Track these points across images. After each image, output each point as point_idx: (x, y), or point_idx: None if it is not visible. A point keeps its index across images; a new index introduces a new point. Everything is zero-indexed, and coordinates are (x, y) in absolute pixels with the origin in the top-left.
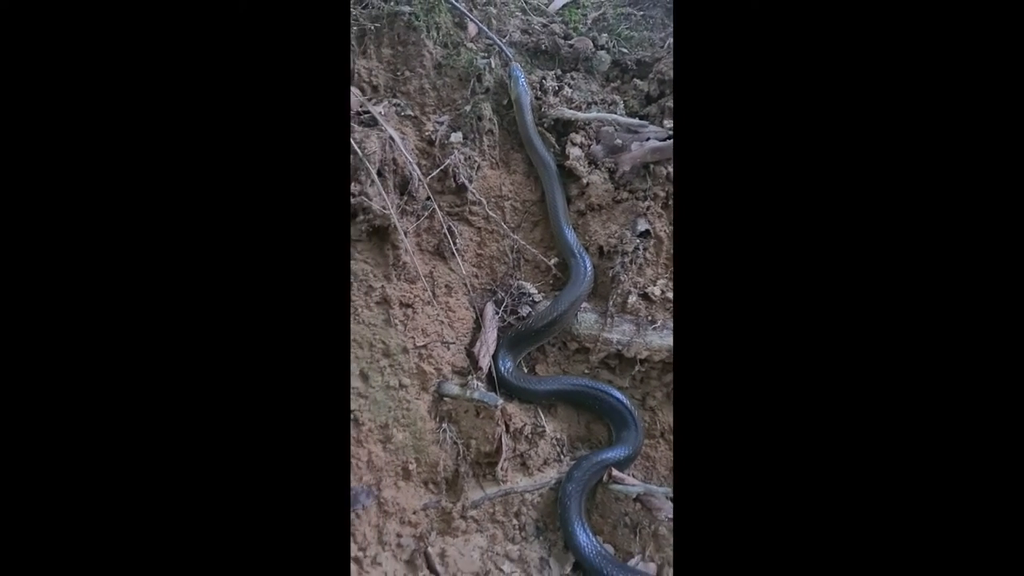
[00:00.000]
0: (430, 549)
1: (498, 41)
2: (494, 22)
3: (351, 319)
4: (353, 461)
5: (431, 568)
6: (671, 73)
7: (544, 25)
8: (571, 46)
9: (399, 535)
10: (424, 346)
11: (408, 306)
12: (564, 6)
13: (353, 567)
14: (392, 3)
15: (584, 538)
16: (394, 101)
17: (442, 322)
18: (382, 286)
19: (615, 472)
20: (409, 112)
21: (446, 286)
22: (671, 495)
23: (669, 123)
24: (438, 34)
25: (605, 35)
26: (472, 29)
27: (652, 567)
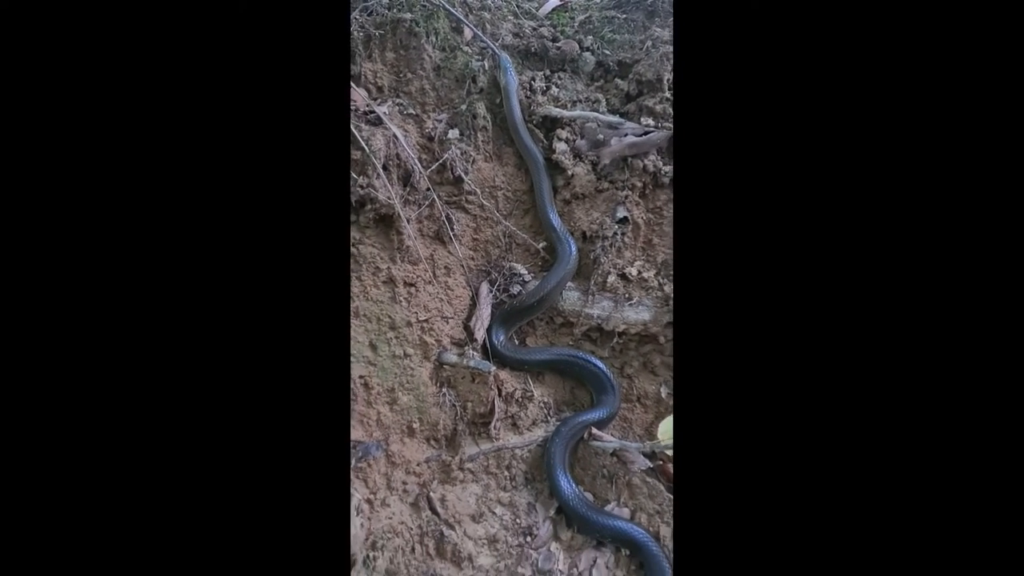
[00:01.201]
0: (432, 494)
1: (491, 44)
2: (488, 26)
3: (362, 297)
4: (364, 420)
5: (432, 510)
6: (648, 74)
7: (534, 29)
8: (559, 48)
9: (404, 482)
10: (426, 320)
11: (411, 285)
12: (553, 10)
13: (365, 507)
14: (395, 10)
15: (566, 486)
16: (397, 101)
17: (442, 299)
18: (388, 267)
19: (595, 431)
20: (411, 111)
21: (445, 267)
22: (644, 450)
23: (646, 120)
24: (436, 39)
25: (590, 38)
26: (468, 33)
27: (625, 511)
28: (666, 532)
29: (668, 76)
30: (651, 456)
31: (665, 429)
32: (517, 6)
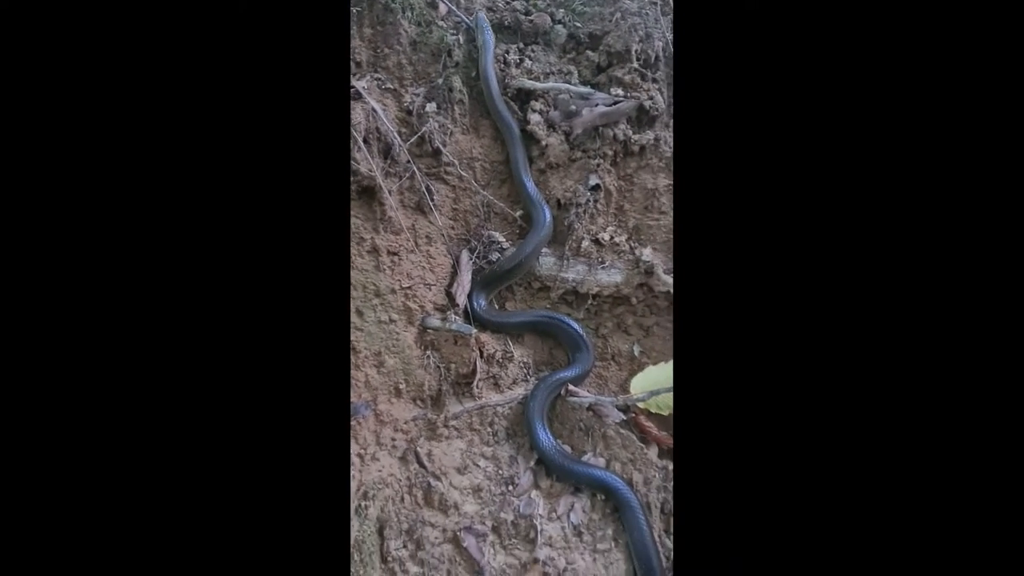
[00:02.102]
0: (419, 449)
1: (465, 19)
2: (461, 2)
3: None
4: (353, 382)
5: (420, 463)
6: (617, 45)
7: (507, 2)
8: (531, 21)
9: (393, 439)
10: (409, 287)
11: (394, 254)
12: None
13: (356, 460)
14: None
15: (545, 439)
16: (375, 76)
17: (424, 267)
18: (371, 237)
19: (571, 387)
20: (389, 85)
21: (426, 236)
22: (618, 404)
23: (616, 90)
24: (412, 14)
25: (562, 11)
26: (442, 8)
27: (601, 460)
28: (638, 479)
29: (636, 47)
30: (624, 410)
31: (637, 384)
32: None
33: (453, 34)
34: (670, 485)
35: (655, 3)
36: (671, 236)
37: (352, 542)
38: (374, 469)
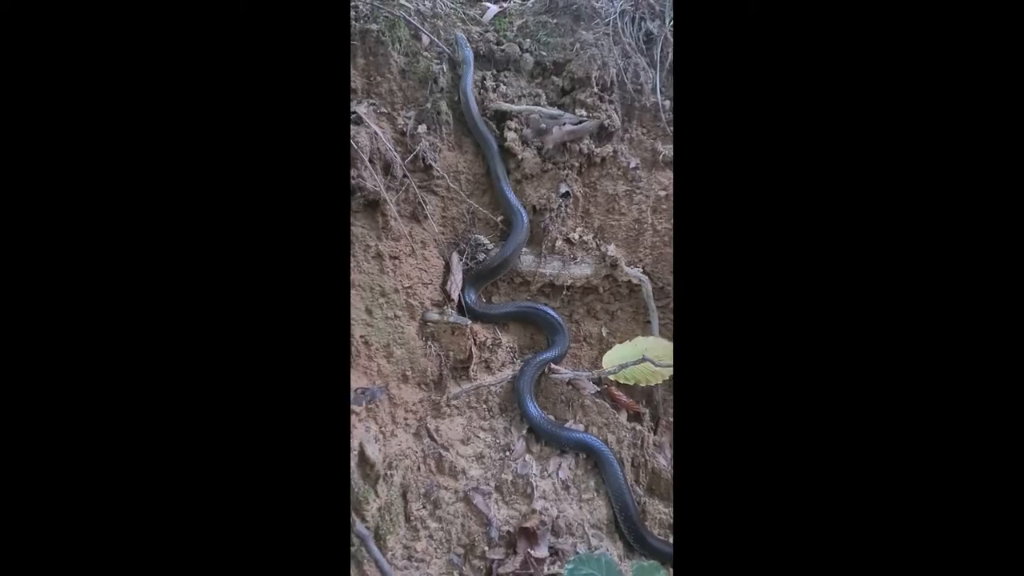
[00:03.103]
0: (428, 426)
1: (446, 49)
2: (442, 33)
3: (356, 270)
4: (367, 371)
5: (431, 437)
6: (579, 72)
7: (481, 34)
8: (503, 51)
9: (406, 418)
10: (409, 287)
11: (395, 258)
12: (495, 16)
13: (380, 437)
14: (362, 22)
15: (534, 410)
16: (371, 102)
17: (421, 268)
18: (375, 244)
19: (553, 366)
20: (383, 110)
21: (421, 242)
22: (592, 378)
23: (580, 111)
24: (400, 45)
25: (528, 40)
26: (425, 40)
27: (580, 426)
28: (612, 439)
29: (595, 74)
30: (598, 382)
31: (608, 360)
32: (464, 14)
33: (437, 63)
34: (639, 443)
35: (608, 35)
36: (630, 234)
37: (380, 505)
38: (394, 444)
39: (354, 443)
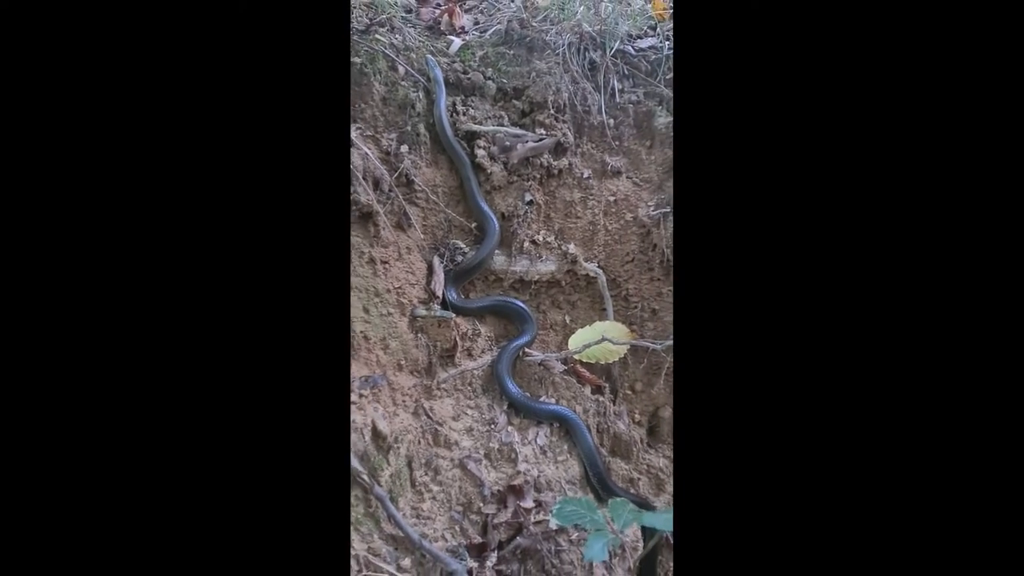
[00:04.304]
0: (424, 406)
1: (420, 78)
2: (415, 64)
3: (353, 274)
4: (368, 362)
5: (427, 416)
6: (537, 97)
7: (449, 64)
8: (469, 79)
9: (404, 400)
10: (399, 287)
11: (385, 262)
12: (460, 48)
13: (387, 415)
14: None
15: (512, 388)
16: (357, 127)
17: (408, 271)
18: (369, 251)
19: (526, 350)
20: (368, 133)
21: (407, 248)
22: (560, 358)
23: (539, 130)
24: (380, 76)
25: (490, 69)
26: (401, 70)
27: (552, 400)
28: (579, 409)
29: (551, 98)
30: (565, 362)
31: (572, 342)
32: (432, 47)
33: (414, 91)
34: (602, 412)
35: (558, 64)
36: (586, 234)
37: (392, 473)
38: (397, 422)
39: (367, 420)
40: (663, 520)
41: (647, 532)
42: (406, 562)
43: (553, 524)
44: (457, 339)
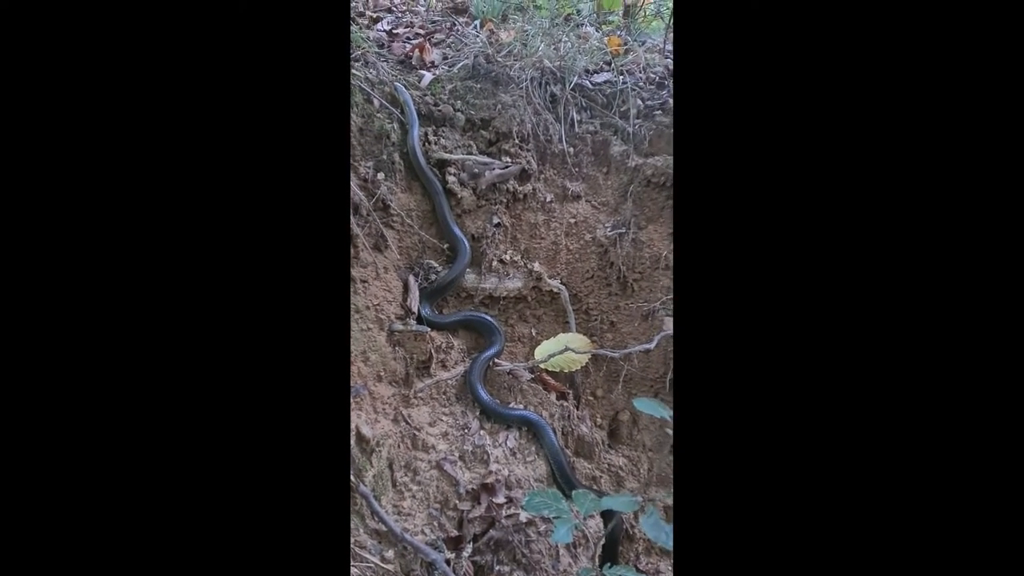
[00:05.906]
0: (403, 413)
1: (393, 109)
2: (389, 97)
3: None
4: (350, 374)
5: (406, 422)
6: (502, 128)
7: (421, 96)
8: (439, 110)
9: (384, 408)
10: (377, 304)
11: (365, 281)
12: (430, 82)
13: (370, 421)
14: None
15: (484, 396)
16: None
17: (385, 289)
18: (350, 271)
19: (496, 360)
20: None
21: (384, 268)
22: (527, 367)
23: (505, 158)
24: (357, 108)
25: (459, 102)
26: (376, 103)
27: (520, 406)
28: (545, 414)
29: (515, 128)
30: (531, 371)
31: (538, 352)
32: (405, 80)
33: (389, 123)
34: (567, 416)
35: (522, 97)
36: (549, 253)
37: (375, 473)
38: (379, 428)
39: (352, 426)
40: (623, 503)
41: (607, 516)
42: (389, 554)
43: (523, 517)
44: (432, 351)
